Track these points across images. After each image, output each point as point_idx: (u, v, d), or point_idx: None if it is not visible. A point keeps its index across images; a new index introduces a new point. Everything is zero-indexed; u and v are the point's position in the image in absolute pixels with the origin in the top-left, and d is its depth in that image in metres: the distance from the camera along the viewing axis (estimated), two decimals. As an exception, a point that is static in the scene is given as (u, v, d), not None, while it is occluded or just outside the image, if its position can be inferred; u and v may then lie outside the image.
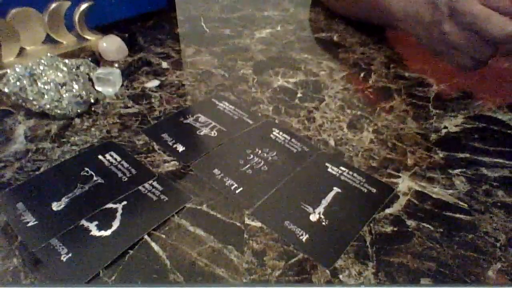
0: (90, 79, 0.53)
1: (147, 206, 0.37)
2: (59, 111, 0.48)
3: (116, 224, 0.35)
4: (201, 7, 0.81)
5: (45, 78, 0.47)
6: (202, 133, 0.46)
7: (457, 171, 0.41)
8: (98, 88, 0.54)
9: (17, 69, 0.46)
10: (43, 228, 0.34)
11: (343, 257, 0.32)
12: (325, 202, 0.37)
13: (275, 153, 0.43)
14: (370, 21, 0.69)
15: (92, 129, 0.47)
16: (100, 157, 0.42)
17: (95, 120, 0.49)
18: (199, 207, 0.37)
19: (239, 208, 0.37)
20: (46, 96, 0.47)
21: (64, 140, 0.45)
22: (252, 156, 0.42)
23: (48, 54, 0.50)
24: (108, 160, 0.42)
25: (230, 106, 0.51)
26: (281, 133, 0.46)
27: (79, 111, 0.49)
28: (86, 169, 0.41)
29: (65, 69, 0.49)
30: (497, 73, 0.58)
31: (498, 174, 0.41)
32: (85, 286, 0.30)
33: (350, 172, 0.40)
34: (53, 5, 0.57)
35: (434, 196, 0.38)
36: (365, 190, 0.38)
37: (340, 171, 0.40)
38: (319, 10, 0.81)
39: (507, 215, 0.36)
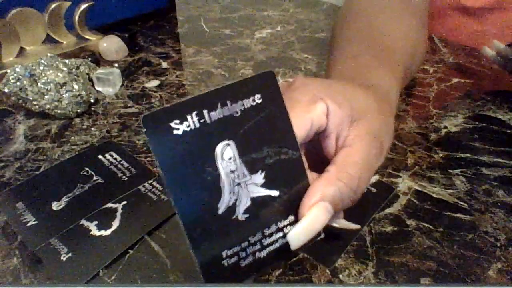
0: (90, 79, 0.53)
1: (147, 206, 0.37)
2: (59, 111, 0.48)
3: (116, 223, 0.35)
4: (201, 7, 0.81)
5: (45, 78, 0.47)
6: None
7: (457, 170, 0.41)
8: (98, 88, 0.54)
9: (17, 69, 0.46)
10: (43, 227, 0.34)
11: (343, 257, 0.32)
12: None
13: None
14: None
15: (92, 129, 0.47)
16: (100, 157, 0.42)
17: (95, 120, 0.49)
18: (199, 207, 0.37)
19: (239, 208, 0.36)
20: (46, 96, 0.47)
21: (64, 140, 0.45)
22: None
23: (48, 54, 0.50)
24: (108, 160, 0.42)
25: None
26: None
27: (79, 111, 0.49)
28: (86, 168, 0.41)
29: (65, 69, 0.49)
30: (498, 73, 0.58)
31: (498, 173, 0.40)
32: (85, 286, 0.30)
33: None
34: (53, 5, 0.57)
35: (434, 195, 0.38)
36: (365, 190, 0.38)
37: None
38: (319, 11, 0.81)
39: (507, 214, 0.36)
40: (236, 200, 0.23)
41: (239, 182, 0.23)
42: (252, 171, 0.23)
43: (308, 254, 0.32)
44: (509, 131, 0.47)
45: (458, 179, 0.40)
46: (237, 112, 0.22)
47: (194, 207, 0.22)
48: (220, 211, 0.22)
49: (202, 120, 0.21)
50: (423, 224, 0.35)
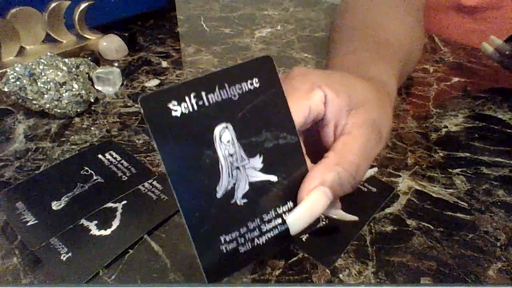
0: (90, 78, 0.53)
1: (147, 206, 0.37)
2: (59, 110, 0.48)
3: (116, 223, 0.35)
4: (201, 6, 0.81)
5: (45, 77, 0.47)
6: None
7: (457, 170, 0.41)
8: (98, 87, 0.53)
9: (17, 69, 0.46)
10: (43, 227, 0.34)
11: (343, 257, 0.32)
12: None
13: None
14: None
15: (92, 128, 0.47)
16: (100, 156, 0.42)
17: (95, 119, 0.49)
18: (199, 207, 0.37)
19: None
20: (46, 96, 0.47)
21: (64, 139, 0.45)
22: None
23: (48, 54, 0.50)
24: (108, 159, 0.42)
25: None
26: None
27: (79, 110, 0.49)
28: (86, 168, 0.41)
29: (64, 68, 0.49)
30: (497, 73, 0.58)
31: (498, 173, 0.40)
32: (85, 286, 0.30)
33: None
34: (53, 5, 0.57)
35: (434, 195, 0.38)
36: (365, 189, 0.38)
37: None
38: (319, 10, 0.81)
39: (507, 214, 0.36)
40: (234, 184, 0.23)
41: (237, 166, 0.23)
42: (251, 155, 0.23)
43: (308, 254, 0.32)
44: (509, 131, 0.47)
45: (458, 179, 0.40)
46: (235, 96, 0.22)
47: (192, 190, 0.22)
48: (218, 195, 0.22)
49: (200, 102, 0.21)
50: (423, 224, 0.35)
